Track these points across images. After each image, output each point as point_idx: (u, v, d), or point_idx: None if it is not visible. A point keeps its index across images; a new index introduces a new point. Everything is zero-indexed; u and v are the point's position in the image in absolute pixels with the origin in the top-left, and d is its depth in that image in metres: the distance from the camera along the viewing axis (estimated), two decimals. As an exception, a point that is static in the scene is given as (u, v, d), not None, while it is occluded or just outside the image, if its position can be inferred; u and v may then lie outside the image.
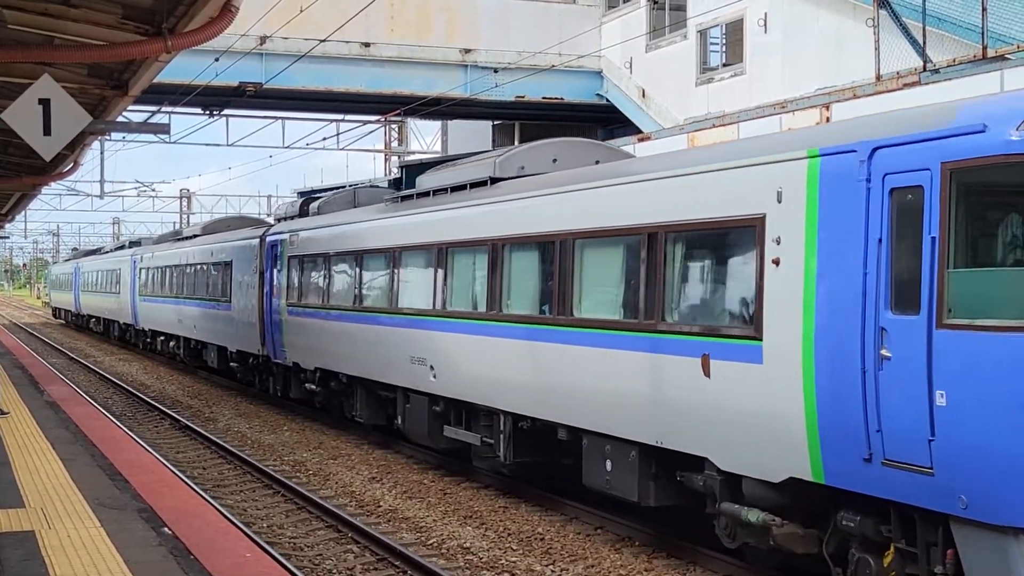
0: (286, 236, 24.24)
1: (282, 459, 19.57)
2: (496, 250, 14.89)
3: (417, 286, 17.49)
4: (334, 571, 12.33)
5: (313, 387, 22.32)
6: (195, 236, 35.62)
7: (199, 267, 32.67)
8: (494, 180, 15.71)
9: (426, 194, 17.77)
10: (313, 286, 22.42)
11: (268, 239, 25.47)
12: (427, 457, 18.75)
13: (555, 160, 15.64)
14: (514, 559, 12.63)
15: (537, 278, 14.32)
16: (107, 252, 57.59)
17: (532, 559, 12.63)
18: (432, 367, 16.42)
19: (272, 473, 17.57)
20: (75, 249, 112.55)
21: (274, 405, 26.60)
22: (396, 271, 18.16)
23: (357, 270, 19.96)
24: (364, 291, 19.69)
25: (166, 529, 10.59)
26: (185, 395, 29.86)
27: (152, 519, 11.04)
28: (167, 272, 37.01)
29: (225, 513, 13.05)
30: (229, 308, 28.63)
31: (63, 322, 74.58)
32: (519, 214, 14.57)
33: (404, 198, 18.79)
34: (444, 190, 17.10)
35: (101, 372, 35.75)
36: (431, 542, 13.49)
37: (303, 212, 24.59)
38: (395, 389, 18.27)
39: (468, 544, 13.30)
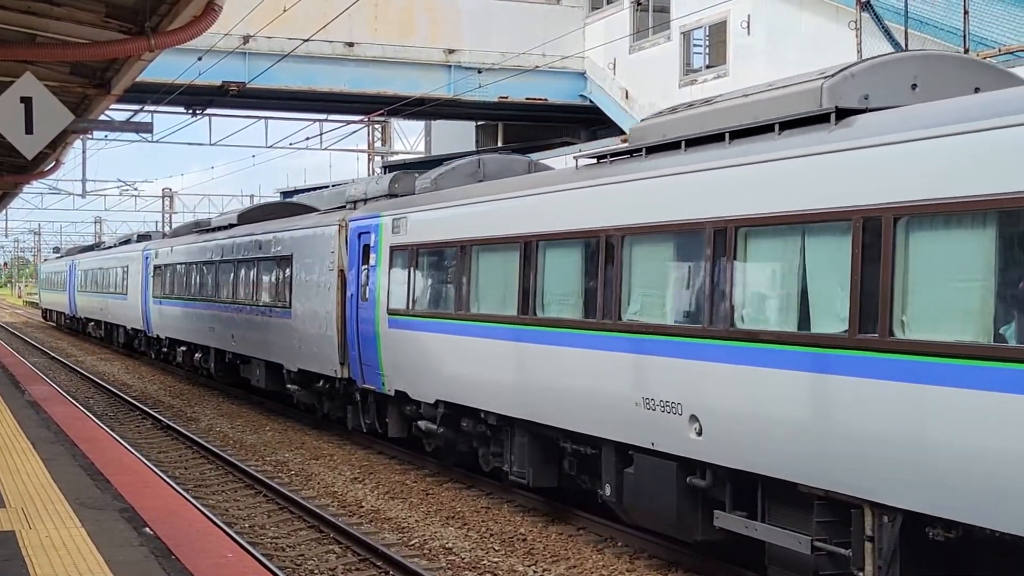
0: (385, 221, 18.30)
1: (264, 459, 19.54)
2: (881, 229, 8.93)
3: (666, 287, 11.66)
4: (316, 571, 12.32)
5: (431, 426, 16.47)
6: (230, 226, 28.79)
7: (241, 263, 26.42)
8: (842, 113, 9.87)
9: (673, 146, 11.73)
10: (437, 287, 16.79)
11: (353, 226, 19.70)
12: (409, 457, 18.74)
13: (915, 87, 10.16)
14: (496, 559, 12.64)
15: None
16: (109, 247, 50.18)
17: (514, 559, 12.64)
18: (695, 418, 10.93)
19: (254, 473, 17.54)
20: (57, 249, 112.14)
21: (255, 405, 26.54)
22: (617, 264, 12.11)
23: (529, 264, 13.82)
24: (542, 294, 13.70)
25: (147, 529, 10.56)
26: (167, 395, 29.78)
27: (133, 519, 11.00)
28: (193, 270, 30.88)
29: (207, 513, 13.01)
30: (288, 315, 22.63)
31: (53, 324, 69.63)
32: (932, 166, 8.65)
33: (619, 155, 12.80)
34: (715, 139, 11.12)
35: (83, 372, 35.62)
36: (413, 542, 13.48)
37: (405, 190, 19.21)
38: (596, 443, 12.79)
39: (450, 544, 13.31)
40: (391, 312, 17.67)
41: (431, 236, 16.67)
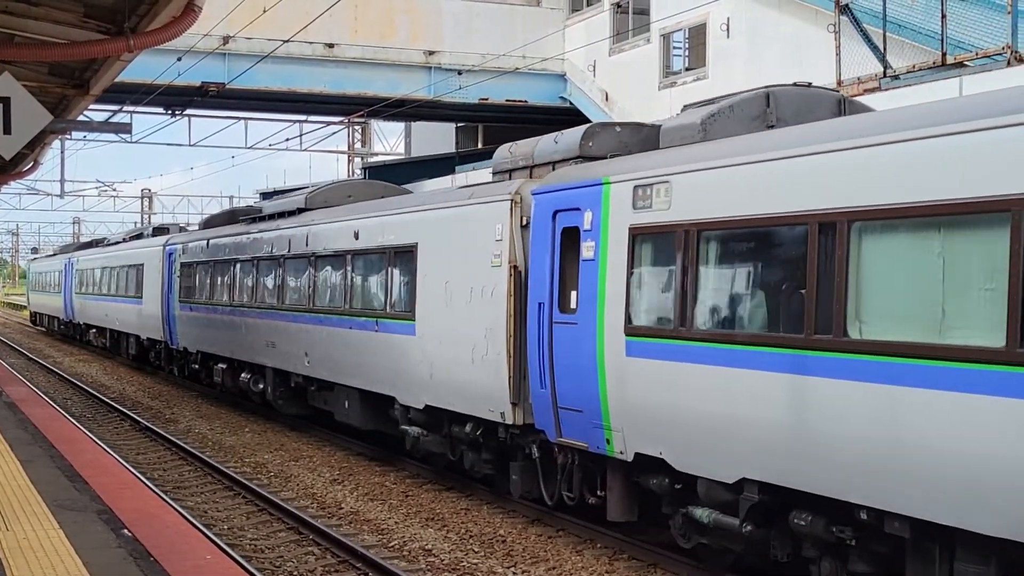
0: (616, 190, 12.13)
1: (243, 461, 19.50)
2: None
3: None
4: (295, 573, 12.30)
5: (728, 521, 10.64)
6: (298, 211, 21.97)
7: (322, 259, 19.95)
8: None
9: None
10: (751, 294, 10.60)
11: (542, 200, 13.35)
12: (389, 458, 18.72)
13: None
14: (476, 561, 12.65)
15: None
16: (116, 243, 43.19)
17: (494, 561, 12.65)
18: None
19: (233, 475, 17.50)
20: (35, 249, 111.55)
21: (234, 407, 26.48)
22: None
23: None
24: None
25: (126, 531, 10.53)
26: (145, 396, 29.68)
27: (112, 521, 10.97)
28: (240, 269, 24.48)
29: (185, 515, 12.99)
30: (410, 330, 16.34)
31: (44, 330, 62.70)
32: None
33: None
34: None
35: (60, 373, 35.47)
36: (393, 544, 13.48)
37: (606, 148, 13.33)
38: None
39: (430, 546, 13.31)
40: (633, 332, 11.56)
41: (734, 208, 10.33)
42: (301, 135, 43.58)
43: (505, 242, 13.80)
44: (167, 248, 31.44)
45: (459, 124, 43.97)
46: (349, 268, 18.75)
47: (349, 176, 49.57)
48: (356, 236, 18.49)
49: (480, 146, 42.21)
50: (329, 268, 19.80)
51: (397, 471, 18.08)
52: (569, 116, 37.63)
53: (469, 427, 14.83)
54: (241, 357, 24.17)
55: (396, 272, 16.94)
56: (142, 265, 34.48)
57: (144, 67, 26.38)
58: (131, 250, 37.58)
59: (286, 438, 21.81)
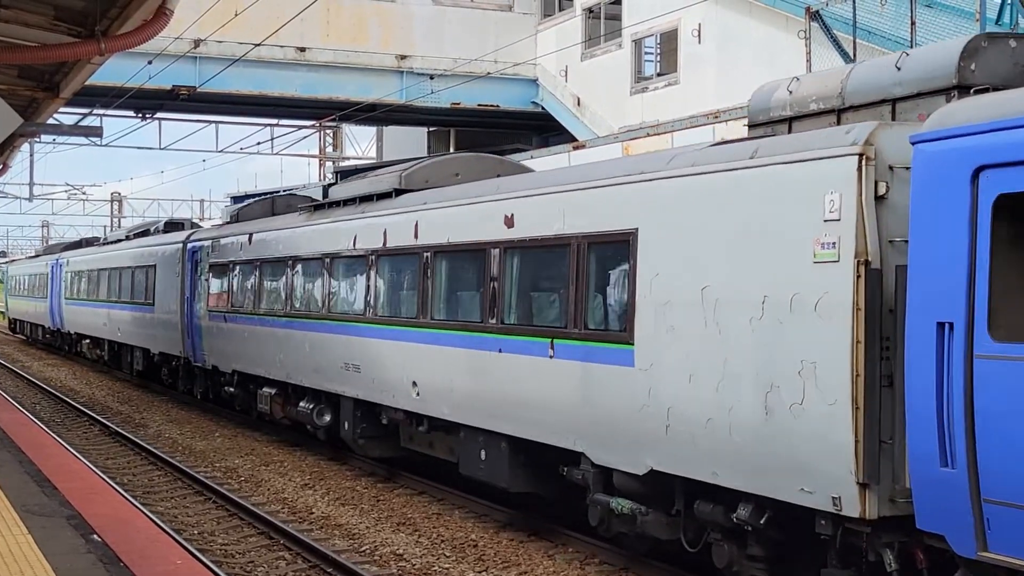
0: None
1: (213, 465, 19.42)
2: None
3: None
4: (266, 578, 12.27)
5: None
6: (403, 191, 16.51)
7: (508, 254, 13.58)
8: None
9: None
10: None
11: None
12: (360, 463, 18.70)
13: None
14: (447, 566, 12.64)
15: None
16: (118, 240, 36.98)
17: (465, 566, 12.65)
18: None
19: (203, 480, 17.43)
20: (3, 253, 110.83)
21: (205, 411, 26.36)
22: None
23: None
24: None
25: (95, 536, 10.48)
26: (115, 400, 29.52)
27: (81, 526, 10.92)
28: (321, 270, 18.54)
29: (155, 520, 12.94)
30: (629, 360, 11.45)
31: (24, 339, 57.62)
32: None
33: None
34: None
35: (29, 377, 35.25)
36: (364, 549, 13.46)
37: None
38: None
39: (401, 551, 13.30)
40: None
41: None
42: (272, 139, 43.48)
43: (847, 223, 8.92)
44: (189, 246, 26.01)
45: (431, 128, 43.99)
46: (495, 266, 13.51)
47: (321, 180, 49.48)
48: (509, 222, 13.31)
49: (452, 150, 42.23)
50: (456, 266, 14.85)
51: (368, 476, 18.06)
52: (541, 121, 37.81)
53: (747, 511, 9.98)
54: (300, 381, 19.16)
55: (590, 272, 12.09)
56: (153, 266, 29.20)
57: (115, 70, 26.31)
58: (138, 249, 31.77)
59: (256, 443, 21.74)
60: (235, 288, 22.72)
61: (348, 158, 52.37)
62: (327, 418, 18.53)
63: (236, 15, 28.47)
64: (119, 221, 76.37)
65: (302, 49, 34.74)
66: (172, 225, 32.47)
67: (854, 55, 20.14)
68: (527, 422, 12.88)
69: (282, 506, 16.01)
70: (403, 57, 35.96)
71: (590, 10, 35.13)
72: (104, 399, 29.96)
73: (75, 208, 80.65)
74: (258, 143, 43.34)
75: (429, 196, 15.57)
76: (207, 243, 24.83)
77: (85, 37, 12.40)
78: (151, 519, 12.61)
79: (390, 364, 15.90)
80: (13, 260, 77.21)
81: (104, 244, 39.45)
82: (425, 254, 15.11)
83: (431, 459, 16.19)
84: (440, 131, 43.99)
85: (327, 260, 18.24)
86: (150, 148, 43.12)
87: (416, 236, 15.35)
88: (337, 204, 18.65)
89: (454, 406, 14.26)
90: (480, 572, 12.43)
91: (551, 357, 12.35)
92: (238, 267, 22.59)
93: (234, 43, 31.40)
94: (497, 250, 13.49)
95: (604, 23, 34.63)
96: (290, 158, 75.87)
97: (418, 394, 15.10)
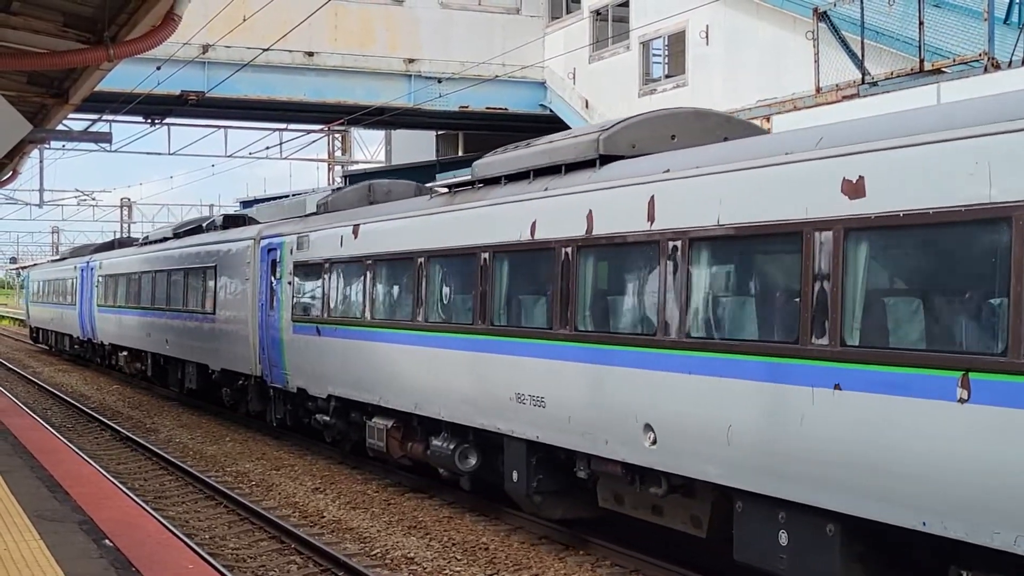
0: None
1: (225, 470, 19.44)
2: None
3: None
4: (277, 582, 12.28)
5: None
6: (609, 158, 12.47)
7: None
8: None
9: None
10: None
11: None
12: (371, 467, 18.71)
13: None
14: (459, 569, 12.64)
15: None
16: (164, 240, 31.65)
17: (476, 569, 12.65)
18: None
19: (214, 484, 17.45)
20: (14, 259, 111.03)
21: (216, 416, 26.38)
22: None
23: None
24: None
25: (107, 541, 10.50)
26: (126, 406, 29.57)
27: (93, 531, 10.94)
28: (481, 267, 14.09)
29: (167, 524, 12.95)
30: None
31: (47, 349, 52.92)
32: None
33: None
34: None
35: (40, 383, 35.31)
36: (375, 552, 13.47)
37: None
38: None
39: (412, 554, 13.30)
40: None
41: None
42: (281, 143, 43.57)
43: None
44: (263, 243, 21.98)
45: (439, 132, 44.01)
46: (827, 259, 9.10)
47: (330, 184, 49.54)
48: (855, 189, 8.82)
49: (460, 154, 42.26)
50: (740, 259, 10.64)
51: (379, 479, 18.06)
52: (550, 124, 37.73)
53: None
54: (436, 414, 15.08)
55: None
56: (213, 268, 25.14)
57: (124, 76, 26.35)
58: (193, 248, 27.45)
59: (267, 447, 21.76)
60: (334, 293, 18.56)
61: (357, 162, 52.50)
62: (472, 462, 14.70)
63: (244, 20, 28.53)
64: (128, 227, 76.50)
65: (310, 53, 34.76)
66: (233, 219, 27.56)
67: (862, 56, 20.11)
68: (894, 499, 8.42)
69: (293, 510, 16.02)
70: (411, 61, 35.96)
71: (598, 12, 35.11)
72: (115, 404, 30.00)
73: (85, 214, 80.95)
74: (267, 148, 43.43)
75: (670, 160, 11.33)
76: (290, 238, 20.53)
77: (94, 43, 12.43)
78: (162, 524, 12.63)
79: (604, 398, 11.76)
80: (35, 264, 71.37)
81: (145, 244, 34.34)
82: (673, 243, 10.79)
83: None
84: (448, 134, 44.02)
85: (485, 255, 13.84)
86: (159, 154, 43.23)
87: (651, 218, 11.12)
88: (495, 181, 14.35)
89: (730, 465, 10.04)
90: (491, 575, 12.43)
91: (963, 401, 7.87)
92: (338, 267, 18.38)
93: (242, 48, 31.42)
94: (832, 234, 8.98)
95: (612, 25, 34.62)
96: (299, 162, 76.01)
97: (654, 442, 10.98)
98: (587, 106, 35.19)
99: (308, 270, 19.68)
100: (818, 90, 20.14)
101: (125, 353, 34.91)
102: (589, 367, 11.98)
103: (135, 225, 77.24)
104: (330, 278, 18.67)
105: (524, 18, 37.51)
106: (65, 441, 18.88)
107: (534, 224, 13.03)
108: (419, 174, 37.11)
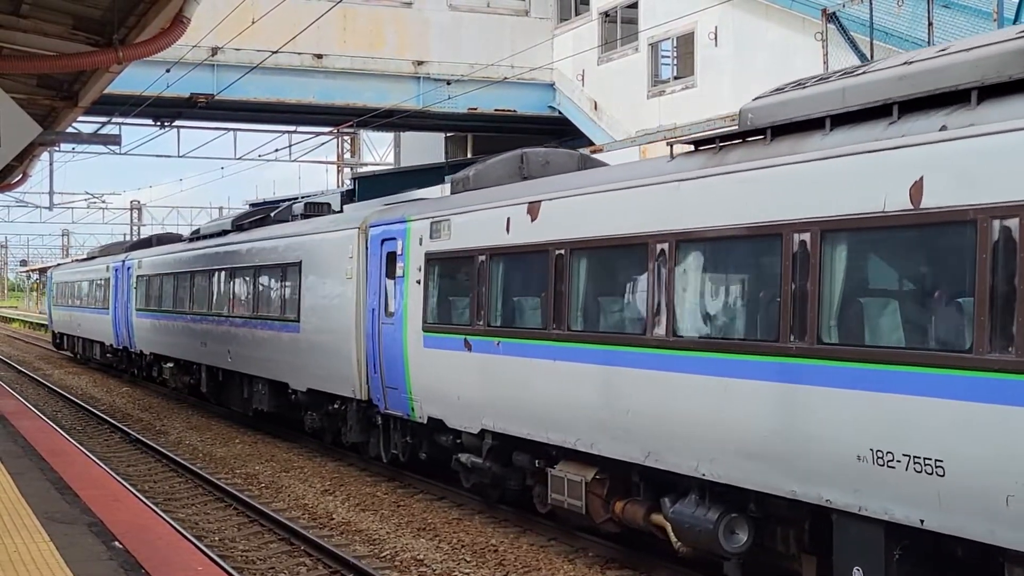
0: None
1: (234, 472, 19.46)
2: None
3: None
4: (287, 584, 12.29)
5: None
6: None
7: None
8: None
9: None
10: None
11: None
12: (380, 469, 18.71)
13: None
14: (468, 571, 12.64)
15: None
16: (225, 232, 26.89)
17: (486, 571, 12.64)
18: None
19: (224, 486, 17.47)
20: (24, 262, 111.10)
21: (225, 418, 26.41)
22: None
23: None
24: None
25: (117, 543, 10.51)
26: (136, 408, 29.61)
27: (102, 533, 10.94)
28: (758, 258, 10.23)
29: (176, 527, 12.96)
30: None
31: (70, 356, 48.62)
32: None
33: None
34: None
35: (50, 385, 35.37)
36: (384, 554, 13.47)
37: None
38: None
39: (422, 556, 13.30)
40: None
41: None
42: (290, 146, 43.59)
43: None
44: (373, 232, 17.68)
45: (448, 134, 44.02)
46: None
47: (339, 186, 49.58)
48: None
49: (469, 156, 42.25)
50: None
51: (388, 481, 18.06)
52: (558, 125, 37.78)
53: None
54: (696, 470, 10.63)
55: None
56: (297, 266, 20.76)
57: (133, 79, 26.38)
58: (268, 241, 22.85)
59: (277, 449, 21.77)
60: (495, 294, 14.20)
61: (366, 164, 52.52)
62: (743, 539, 10.50)
63: (253, 23, 28.55)
64: (139, 229, 76.61)
65: (319, 56, 34.79)
66: (315, 207, 23.50)
67: (871, 57, 20.09)
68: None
69: (302, 512, 16.03)
70: (420, 63, 35.97)
71: (606, 14, 35.10)
72: (125, 407, 30.04)
73: (95, 217, 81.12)
74: (276, 150, 43.48)
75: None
76: (418, 224, 16.11)
77: (103, 46, 12.46)
78: (172, 526, 12.64)
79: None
80: (59, 263, 66.10)
81: (197, 239, 29.49)
82: None
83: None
84: (457, 137, 44.03)
85: (802, 236, 9.42)
86: (169, 156, 43.29)
87: None
88: (802, 128, 9.90)
89: None
90: (500, 577, 12.43)
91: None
92: (501, 259, 14.08)
93: (251, 50, 31.46)
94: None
95: (620, 27, 34.61)
96: (308, 165, 76.09)
97: None
98: (596, 108, 35.19)
99: (449, 264, 15.32)
100: (827, 91, 20.08)
101: (171, 365, 30.17)
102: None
103: (145, 227, 77.38)
104: (488, 274, 14.17)
105: (533, 20, 37.52)
106: (75, 443, 18.90)
107: (918, 184, 8.41)
108: (428, 176, 37.23)
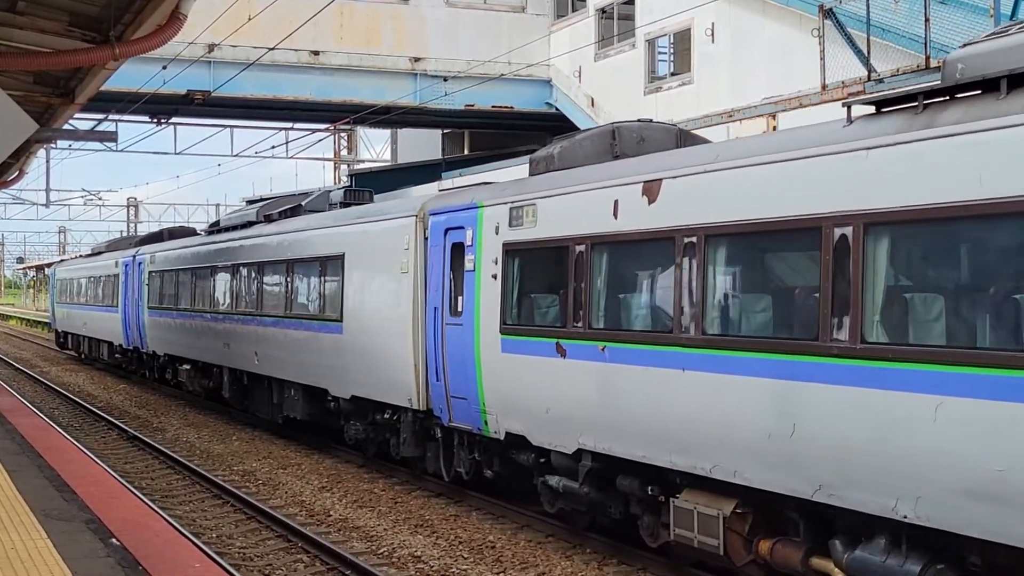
0: None
1: (231, 469, 19.46)
2: None
3: None
4: (284, 581, 12.29)
5: None
6: None
7: None
8: None
9: None
10: None
11: None
12: (377, 466, 18.70)
13: None
14: (465, 567, 12.64)
15: None
16: (251, 223, 24.69)
17: (483, 567, 12.65)
18: None
19: (221, 483, 17.47)
20: (21, 259, 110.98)
21: (223, 414, 26.40)
22: None
23: None
24: None
25: (114, 540, 10.51)
26: (133, 405, 29.60)
27: (100, 530, 10.94)
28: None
29: (174, 524, 12.96)
30: None
31: (74, 356, 47.03)
32: None
33: None
34: None
35: (47, 383, 35.35)
36: (382, 551, 13.47)
37: None
38: None
39: (419, 552, 13.30)
40: None
41: None
42: (287, 143, 43.59)
43: None
44: (434, 220, 15.67)
45: (445, 131, 44.01)
46: None
47: (336, 182, 49.56)
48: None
49: (466, 152, 42.26)
50: None
51: (386, 478, 18.06)
52: (556, 122, 37.76)
53: None
54: (894, 510, 8.48)
55: None
56: (339, 259, 18.75)
57: (129, 75, 26.38)
58: (304, 233, 20.80)
59: (274, 446, 21.77)
60: (597, 289, 12.20)
61: (363, 161, 52.50)
62: None
63: (250, 19, 28.52)
64: (135, 226, 76.58)
65: (316, 52, 34.76)
66: (355, 195, 21.35)
67: (868, 53, 20.08)
68: None
69: (300, 509, 16.03)
70: (417, 59, 35.96)
71: (603, 11, 35.09)
72: (122, 404, 30.03)
73: (91, 214, 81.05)
74: (273, 147, 43.46)
75: None
76: (493, 210, 14.08)
77: (99, 43, 12.45)
78: (170, 523, 12.64)
79: None
80: (63, 259, 63.14)
81: (216, 231, 27.24)
82: None
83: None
84: (454, 133, 44.02)
85: None
86: (165, 153, 43.33)
87: None
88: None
89: None
90: (498, 574, 12.43)
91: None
92: (606, 248, 12.05)
93: (248, 47, 31.43)
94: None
95: (617, 23, 34.59)
96: (305, 161, 76.04)
97: None
98: (593, 104, 35.18)
99: (535, 256, 13.34)
100: (824, 87, 20.12)
101: (188, 367, 28.10)
102: None
103: (141, 224, 77.36)
104: (588, 267, 12.14)
105: (530, 16, 37.51)
106: (72, 440, 18.89)
107: None
108: (425, 173, 37.23)
